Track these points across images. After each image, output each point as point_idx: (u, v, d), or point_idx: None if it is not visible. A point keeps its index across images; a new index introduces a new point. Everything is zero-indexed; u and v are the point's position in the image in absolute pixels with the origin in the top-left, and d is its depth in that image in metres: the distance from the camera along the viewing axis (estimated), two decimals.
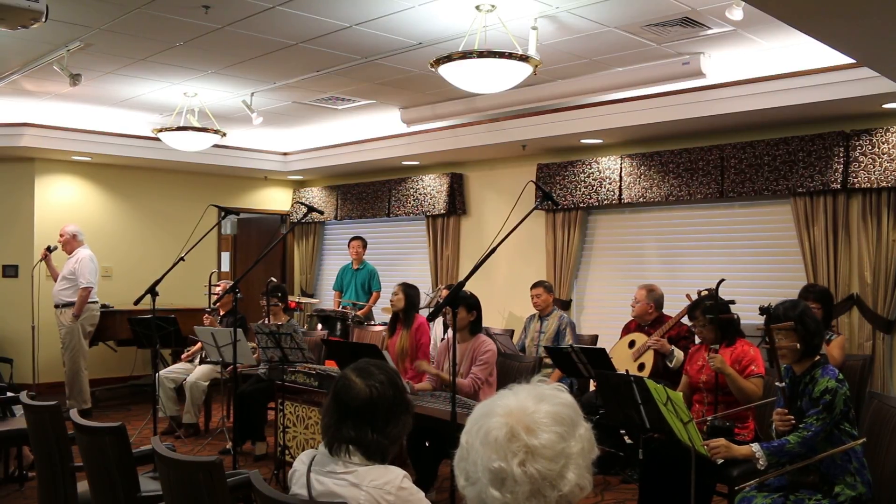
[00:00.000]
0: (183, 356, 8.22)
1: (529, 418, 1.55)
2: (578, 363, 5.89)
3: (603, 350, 5.88)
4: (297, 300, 10.41)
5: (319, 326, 9.29)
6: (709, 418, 4.65)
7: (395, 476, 2.33)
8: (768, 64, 6.54)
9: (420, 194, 10.31)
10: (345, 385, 2.42)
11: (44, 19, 4.81)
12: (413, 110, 8.76)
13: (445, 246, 10.11)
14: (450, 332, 5.94)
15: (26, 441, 5.87)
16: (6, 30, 5.05)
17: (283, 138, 10.76)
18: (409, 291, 6.52)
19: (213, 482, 2.76)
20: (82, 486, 3.96)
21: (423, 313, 8.12)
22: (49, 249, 8.77)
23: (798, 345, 3.77)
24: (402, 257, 10.97)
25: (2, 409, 6.12)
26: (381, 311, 9.58)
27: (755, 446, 3.80)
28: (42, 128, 9.26)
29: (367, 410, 2.37)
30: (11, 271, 9.99)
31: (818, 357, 3.85)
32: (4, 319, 9.90)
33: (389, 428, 2.40)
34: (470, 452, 1.59)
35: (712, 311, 4.90)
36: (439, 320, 7.63)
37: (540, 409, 1.56)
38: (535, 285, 7.43)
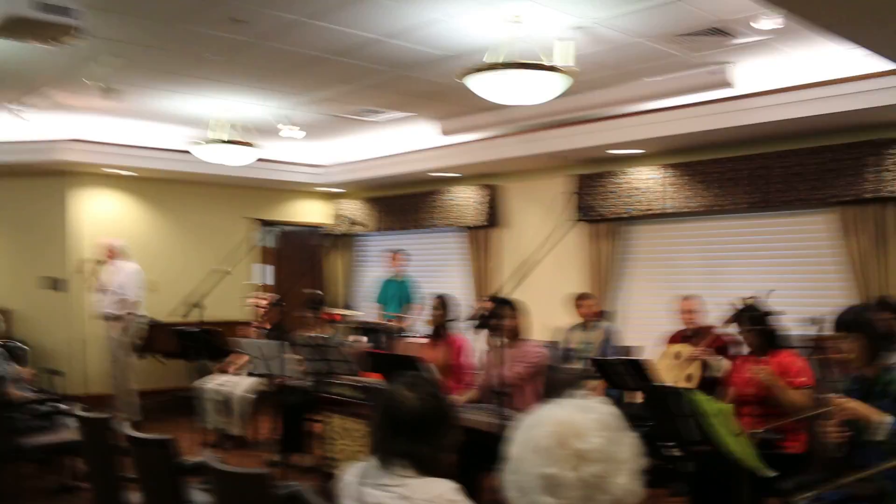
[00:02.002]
0: (229, 369, 8.28)
1: (578, 425, 1.58)
2: (624, 375, 5.84)
3: (649, 361, 5.83)
4: (339, 312, 10.45)
5: (363, 339, 9.32)
6: (758, 431, 4.59)
7: (446, 488, 2.33)
8: (799, 73, 6.50)
9: (458, 206, 10.33)
10: (394, 398, 2.43)
11: (78, 35, 4.88)
12: (450, 122, 8.78)
13: (484, 257, 10.11)
14: (496, 340, 5.91)
15: (78, 452, 5.97)
16: (42, 45, 5.12)
17: (323, 151, 10.83)
18: (448, 303, 6.53)
19: (264, 494, 2.79)
20: (133, 496, 4.02)
21: (465, 325, 8.14)
22: (94, 262, 8.90)
23: (866, 348, 3.70)
24: (441, 269, 10.99)
25: (54, 421, 6.21)
26: (422, 324, 9.59)
27: (889, 417, 3.55)
28: (79, 142, 9.40)
29: (417, 423, 2.38)
30: (59, 285, 10.14)
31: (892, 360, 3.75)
32: (53, 332, 10.05)
33: (440, 440, 2.41)
34: (520, 463, 1.60)
35: (758, 321, 4.85)
36: (484, 331, 7.61)
37: (587, 417, 1.60)
38: (582, 296, 7.41)
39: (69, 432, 6.07)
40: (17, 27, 4.71)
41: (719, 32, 5.74)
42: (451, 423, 2.45)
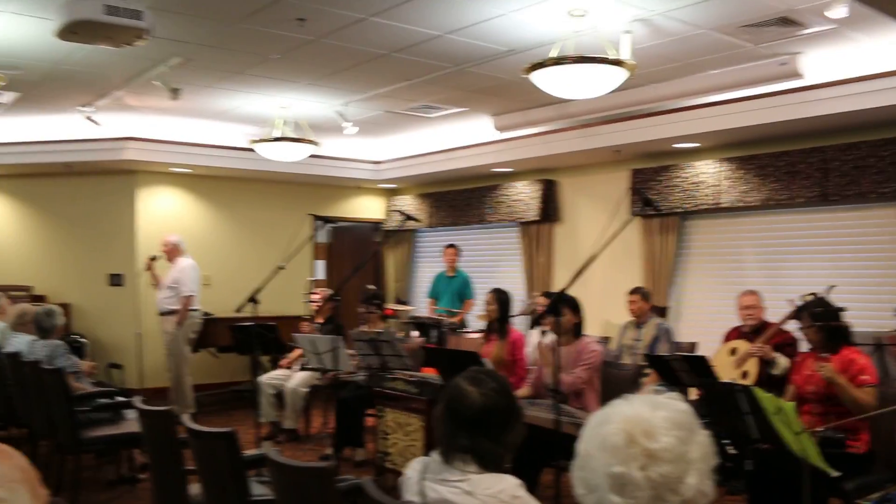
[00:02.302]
0: (282, 363, 8.36)
1: (647, 423, 1.54)
2: (679, 371, 5.77)
3: (704, 358, 5.75)
4: (392, 307, 10.50)
5: (415, 334, 9.34)
6: (819, 429, 4.50)
7: (509, 484, 2.32)
8: (869, 62, 6.33)
9: (513, 201, 10.30)
10: (458, 394, 2.42)
11: (148, 37, 4.98)
12: (505, 117, 8.76)
13: (539, 253, 10.07)
14: (550, 336, 5.88)
15: (137, 444, 6.07)
16: (111, 48, 5.23)
17: (376, 147, 10.88)
18: (502, 298, 6.50)
19: (325, 488, 2.79)
20: (193, 488, 4.06)
21: (519, 320, 8.12)
22: (152, 258, 9.05)
23: None
24: (495, 265, 10.97)
25: (114, 414, 6.32)
26: (476, 319, 9.59)
27: None
28: (143, 141, 9.58)
29: (481, 419, 2.37)
30: (117, 280, 10.34)
31: None
32: (111, 327, 10.25)
33: (504, 435, 2.40)
34: (588, 460, 1.58)
35: (821, 317, 4.75)
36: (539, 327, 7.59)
37: (657, 415, 1.56)
38: (631, 291, 7.33)
39: (128, 425, 6.19)
40: (89, 31, 4.80)
41: (788, 22, 5.62)
42: (514, 419, 2.44)
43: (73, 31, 4.86)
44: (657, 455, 1.50)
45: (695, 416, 1.60)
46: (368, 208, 12.51)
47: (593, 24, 5.48)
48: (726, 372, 6.00)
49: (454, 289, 9.76)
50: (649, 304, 7.31)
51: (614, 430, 1.54)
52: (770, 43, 6.14)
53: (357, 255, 12.40)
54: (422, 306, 11.18)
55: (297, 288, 10.62)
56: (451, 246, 9.94)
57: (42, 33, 5.76)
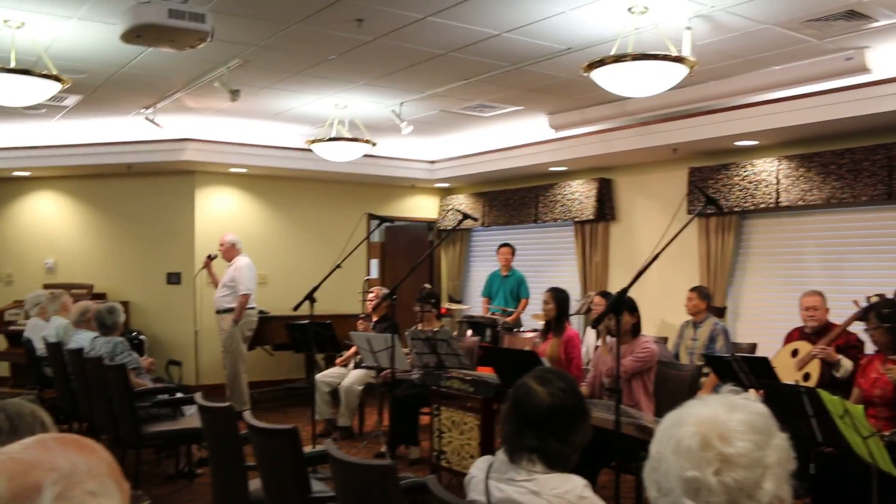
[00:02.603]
0: (337, 361, 8.41)
1: (723, 426, 1.50)
2: (739, 372, 5.68)
3: (766, 359, 5.65)
4: (446, 306, 10.51)
5: (469, 333, 9.34)
6: (885, 434, 4.40)
7: (575, 484, 2.30)
8: None
9: (568, 200, 10.24)
10: (525, 393, 2.40)
11: (210, 39, 5.04)
12: (561, 116, 8.71)
13: (594, 252, 10.00)
14: (607, 339, 5.83)
15: (195, 439, 6.16)
16: (173, 51, 5.31)
17: (430, 146, 10.89)
18: (560, 297, 6.46)
19: (388, 486, 2.80)
20: (253, 484, 4.10)
21: (574, 319, 8.07)
22: (210, 257, 9.16)
23: None
24: (549, 264, 10.92)
25: (174, 410, 6.41)
26: (531, 318, 9.56)
27: None
28: (202, 142, 9.72)
29: (548, 418, 2.35)
30: (175, 279, 10.49)
31: None
32: (169, 324, 10.41)
33: (571, 436, 2.38)
34: (661, 463, 1.54)
35: (889, 318, 4.64)
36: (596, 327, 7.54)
37: (733, 417, 1.52)
38: (691, 289, 7.26)
39: (187, 420, 6.28)
40: (153, 34, 4.88)
41: (855, 15, 5.49)
42: (581, 420, 2.42)
43: (137, 34, 4.93)
44: (732, 460, 1.47)
45: (772, 418, 1.56)
46: (422, 207, 12.54)
47: (654, 21, 5.41)
48: (787, 374, 5.90)
49: (508, 288, 9.74)
50: (706, 304, 7.21)
51: (689, 432, 1.51)
52: (836, 37, 6.00)
53: (410, 254, 12.44)
54: (475, 305, 11.18)
55: (352, 286, 10.68)
56: (506, 245, 9.92)
57: (107, 38, 5.86)
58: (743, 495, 1.46)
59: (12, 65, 5.57)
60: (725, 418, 1.51)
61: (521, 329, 9.15)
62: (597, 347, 6.32)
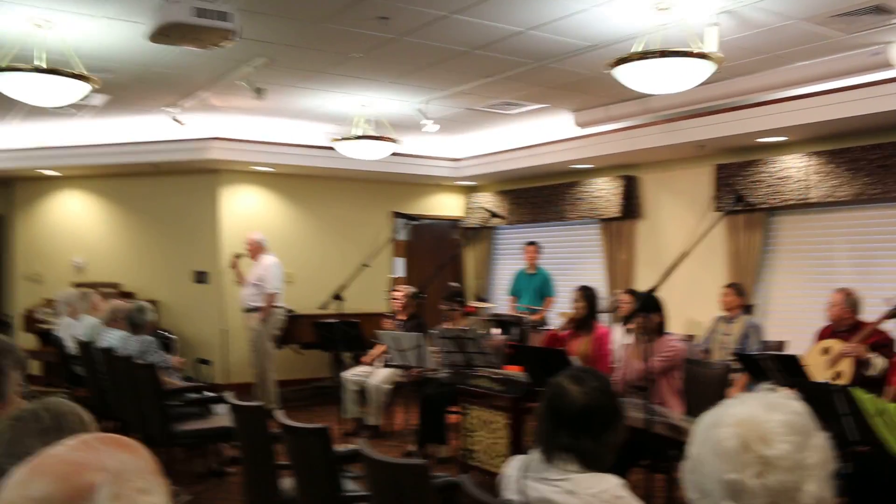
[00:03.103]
0: (364, 359, 8.42)
1: (762, 428, 1.48)
2: (770, 370, 5.63)
3: (797, 357, 5.60)
4: (472, 305, 10.49)
5: (495, 331, 9.31)
6: None
7: (611, 484, 2.28)
8: None
9: (593, 198, 10.19)
10: (559, 392, 2.39)
11: (236, 38, 5.06)
12: (586, 113, 8.67)
13: (620, 250, 9.95)
14: (633, 336, 5.80)
15: (225, 438, 6.18)
16: (200, 49, 5.34)
17: (456, 144, 10.88)
18: (590, 295, 6.43)
19: (421, 484, 2.79)
20: (285, 482, 4.11)
21: (601, 317, 8.02)
22: (237, 256, 9.20)
23: None
24: (575, 262, 10.87)
25: (203, 408, 6.44)
26: (557, 316, 9.53)
27: None
28: (227, 141, 9.75)
29: (582, 418, 2.34)
30: (202, 277, 10.54)
31: None
32: (197, 323, 10.46)
33: (606, 435, 2.36)
34: (700, 464, 1.53)
35: None
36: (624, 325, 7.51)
37: (772, 418, 1.50)
38: (727, 285, 7.22)
39: (217, 419, 6.30)
40: (179, 33, 4.91)
41: (882, 10, 5.43)
42: (616, 419, 2.40)
43: (163, 33, 4.97)
44: (773, 462, 1.45)
45: (811, 417, 1.54)
46: (447, 206, 12.53)
47: (679, 17, 5.37)
48: (818, 372, 5.84)
49: (535, 286, 9.71)
50: (740, 301, 7.15)
51: (728, 434, 1.49)
52: (862, 32, 5.95)
53: (435, 253, 12.42)
54: (501, 303, 11.16)
55: (378, 285, 10.69)
56: (532, 243, 9.90)
57: (133, 37, 5.91)
58: (785, 498, 1.44)
59: (42, 65, 5.62)
60: (764, 419, 1.49)
61: (548, 327, 9.13)
62: (626, 345, 6.29)
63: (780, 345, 7.30)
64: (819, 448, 1.50)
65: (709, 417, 1.57)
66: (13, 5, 5.37)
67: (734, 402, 1.57)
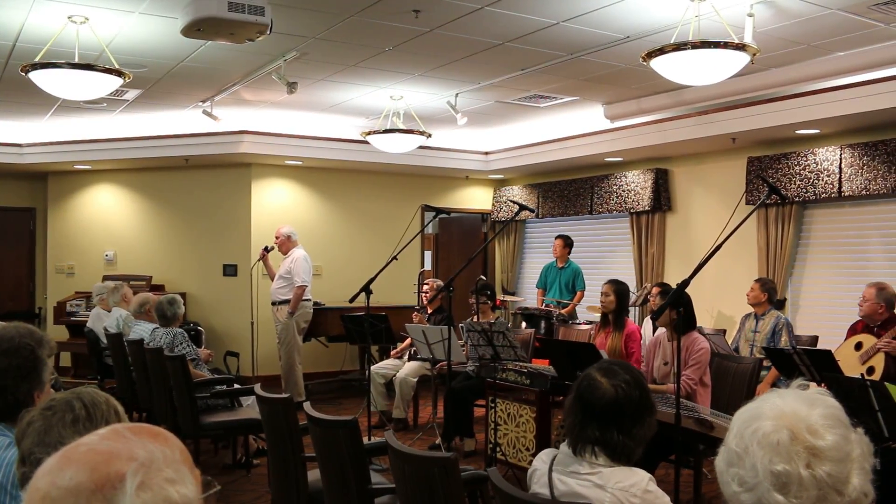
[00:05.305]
0: (392, 352, 8.43)
1: (808, 420, 1.47)
2: (801, 365, 5.58)
3: (829, 352, 5.53)
4: (500, 298, 10.48)
5: (523, 325, 9.30)
6: None
7: (640, 478, 2.27)
8: None
9: (623, 191, 10.13)
10: (589, 385, 2.37)
11: (268, 32, 5.08)
12: (617, 105, 8.61)
13: (650, 243, 9.89)
14: (660, 330, 5.76)
15: (252, 430, 6.22)
16: (232, 44, 5.36)
17: (485, 138, 10.85)
18: (620, 289, 6.37)
19: (448, 477, 2.79)
20: (312, 475, 4.13)
21: (630, 310, 7.98)
22: (266, 249, 9.24)
23: None
24: (605, 255, 10.83)
25: (231, 400, 6.48)
26: (586, 310, 9.49)
27: None
28: (258, 134, 9.79)
29: (612, 411, 2.32)
30: (231, 270, 10.60)
31: None
32: (225, 316, 10.53)
33: (636, 429, 2.34)
34: (744, 457, 1.51)
35: None
36: (647, 317, 7.47)
37: (814, 412, 1.49)
38: (755, 280, 7.16)
39: (245, 411, 6.34)
40: (213, 27, 4.94)
41: None
42: (646, 413, 2.38)
43: (197, 28, 5.00)
44: (822, 453, 1.44)
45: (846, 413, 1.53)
46: (476, 199, 12.51)
47: (715, 8, 5.31)
48: (851, 367, 5.78)
49: (564, 279, 9.67)
50: (767, 296, 7.07)
51: (774, 426, 1.47)
52: None
53: (464, 246, 12.42)
54: (529, 297, 11.13)
55: (406, 278, 10.69)
56: (561, 237, 9.86)
57: (167, 32, 5.94)
58: (832, 490, 1.43)
59: (76, 60, 5.66)
60: (807, 412, 1.48)
61: (577, 321, 9.10)
62: (655, 340, 6.25)
63: (812, 339, 7.22)
64: (859, 442, 1.49)
65: (747, 411, 1.55)
66: (52, 1, 5.42)
67: (771, 395, 1.56)
